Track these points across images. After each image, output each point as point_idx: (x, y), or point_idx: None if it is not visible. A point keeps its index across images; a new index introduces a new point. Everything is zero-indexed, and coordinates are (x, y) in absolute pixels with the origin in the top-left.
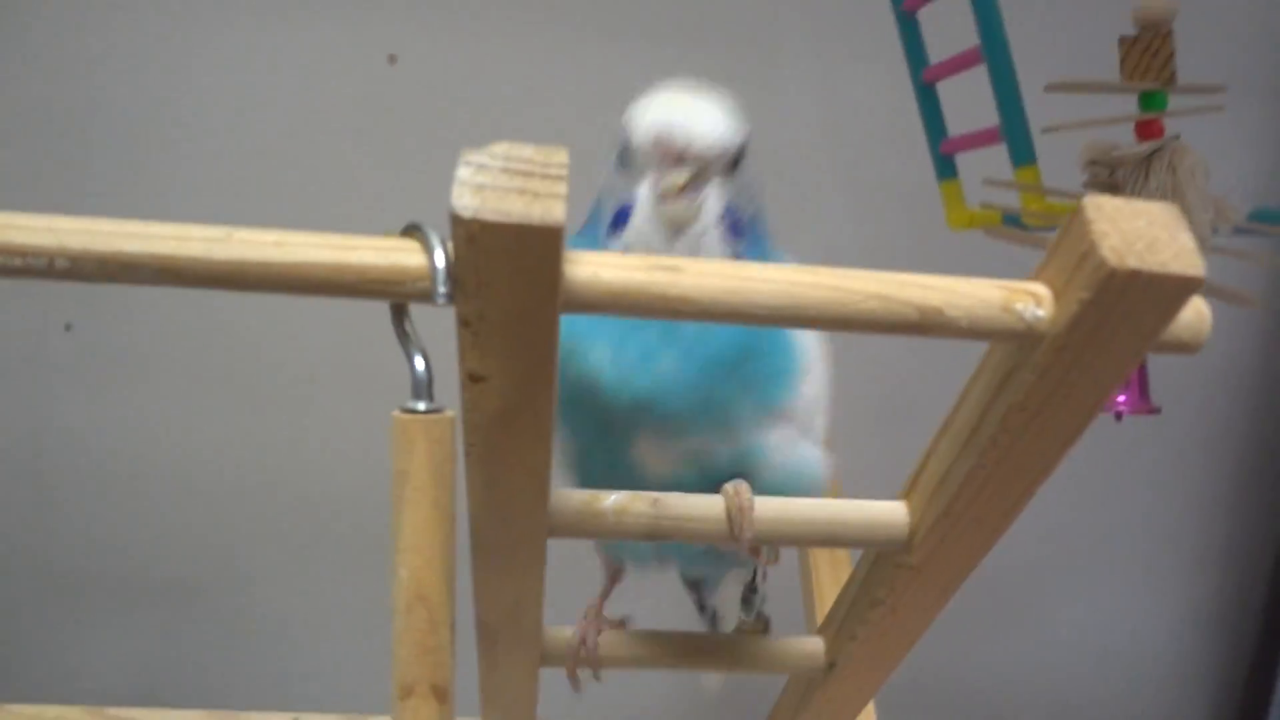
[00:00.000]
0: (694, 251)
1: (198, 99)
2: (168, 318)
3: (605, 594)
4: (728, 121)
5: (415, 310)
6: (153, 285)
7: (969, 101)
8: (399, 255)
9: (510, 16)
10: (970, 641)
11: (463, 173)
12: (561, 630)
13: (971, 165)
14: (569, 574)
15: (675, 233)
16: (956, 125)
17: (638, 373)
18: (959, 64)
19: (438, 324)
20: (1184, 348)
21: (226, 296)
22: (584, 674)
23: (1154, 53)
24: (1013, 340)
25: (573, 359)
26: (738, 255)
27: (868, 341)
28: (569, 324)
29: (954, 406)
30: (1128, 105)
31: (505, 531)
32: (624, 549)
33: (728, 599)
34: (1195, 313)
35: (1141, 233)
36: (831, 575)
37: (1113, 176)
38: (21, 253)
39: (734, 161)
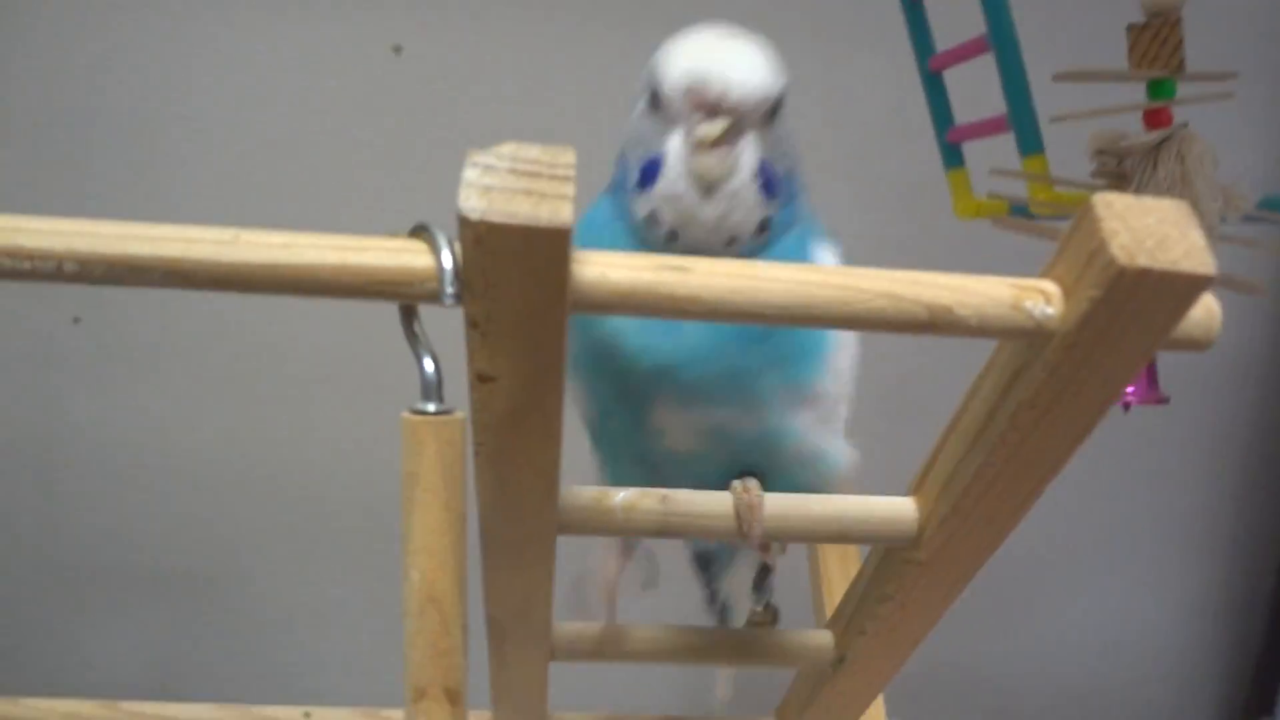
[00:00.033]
0: (728, 211)
1: (200, 94)
2: (177, 311)
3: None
4: (767, 68)
5: (424, 310)
6: (160, 287)
7: (976, 90)
8: (407, 257)
9: (517, 3)
10: (978, 633)
11: (469, 174)
12: (572, 625)
13: (979, 154)
14: (578, 570)
15: (708, 190)
16: (963, 114)
17: (661, 338)
18: (966, 52)
19: (447, 324)
20: (1194, 345)
21: None
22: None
23: (1162, 40)
24: (1023, 338)
25: (596, 321)
26: (770, 217)
27: (876, 336)
28: None
29: (963, 403)
30: (1136, 94)
31: (515, 529)
32: None
33: (738, 587)
34: (1206, 310)
35: (1152, 230)
36: (840, 569)
37: (1121, 165)
38: (30, 256)
39: (771, 112)
